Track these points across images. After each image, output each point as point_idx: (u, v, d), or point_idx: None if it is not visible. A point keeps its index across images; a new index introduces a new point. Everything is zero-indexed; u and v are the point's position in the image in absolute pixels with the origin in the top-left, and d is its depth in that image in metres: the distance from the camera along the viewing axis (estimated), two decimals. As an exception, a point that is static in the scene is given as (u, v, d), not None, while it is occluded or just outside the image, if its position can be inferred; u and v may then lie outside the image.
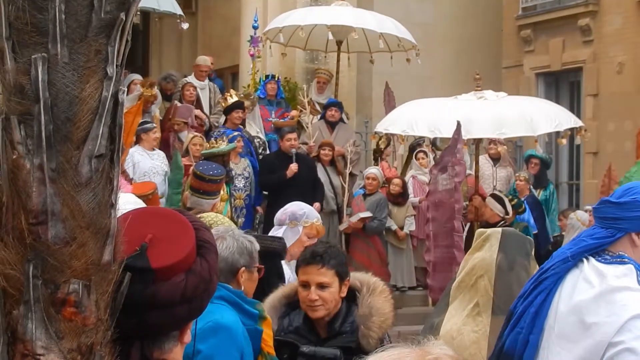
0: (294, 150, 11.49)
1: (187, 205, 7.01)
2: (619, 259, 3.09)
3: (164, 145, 11.27)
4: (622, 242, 3.12)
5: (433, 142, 13.58)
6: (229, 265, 3.80)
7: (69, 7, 1.78)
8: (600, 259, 3.12)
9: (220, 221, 5.15)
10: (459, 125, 9.87)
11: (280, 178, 11.15)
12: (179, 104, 12.20)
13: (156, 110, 12.25)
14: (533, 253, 4.11)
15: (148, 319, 1.98)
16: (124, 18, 1.83)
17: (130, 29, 1.88)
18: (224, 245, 3.80)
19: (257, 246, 3.98)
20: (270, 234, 5.67)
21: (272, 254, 4.89)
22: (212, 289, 2.13)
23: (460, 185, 10.67)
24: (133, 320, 1.96)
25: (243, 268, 3.83)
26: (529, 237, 4.18)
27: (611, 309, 2.96)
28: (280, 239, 5.24)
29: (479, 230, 4.01)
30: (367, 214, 11.44)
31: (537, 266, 4.04)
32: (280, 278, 4.97)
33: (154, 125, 11.01)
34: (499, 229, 3.93)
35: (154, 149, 10.73)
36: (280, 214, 5.71)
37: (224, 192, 9.20)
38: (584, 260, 3.14)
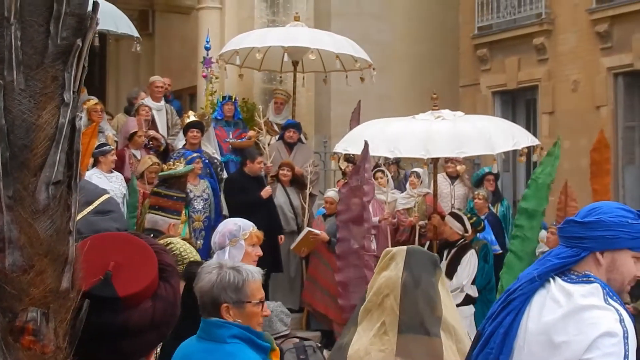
0: (263, 173, 11.50)
1: (145, 226, 6.93)
2: (584, 279, 3.10)
3: (119, 161, 11.15)
4: (587, 261, 3.14)
5: (397, 161, 13.63)
6: (210, 299, 3.67)
7: (24, 34, 1.77)
8: (566, 278, 3.13)
9: (182, 248, 5.08)
10: (366, 144, 9.95)
11: (256, 199, 11.09)
12: (135, 119, 12.14)
13: (109, 130, 12.19)
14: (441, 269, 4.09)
15: (120, 347, 1.98)
16: (81, 44, 1.82)
17: (87, 55, 1.87)
18: (207, 278, 3.68)
19: (254, 277, 3.76)
20: (214, 258, 5.29)
21: None
22: (177, 312, 2.11)
23: (369, 205, 10.66)
24: (106, 349, 1.96)
25: (226, 304, 3.66)
26: (435, 254, 4.16)
27: (580, 328, 2.97)
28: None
29: (385, 250, 3.99)
30: (317, 232, 11.41)
31: (445, 281, 4.03)
32: None
33: (112, 147, 10.96)
34: (404, 247, 3.90)
35: (112, 172, 10.68)
36: (218, 238, 5.52)
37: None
38: (551, 280, 3.15)
